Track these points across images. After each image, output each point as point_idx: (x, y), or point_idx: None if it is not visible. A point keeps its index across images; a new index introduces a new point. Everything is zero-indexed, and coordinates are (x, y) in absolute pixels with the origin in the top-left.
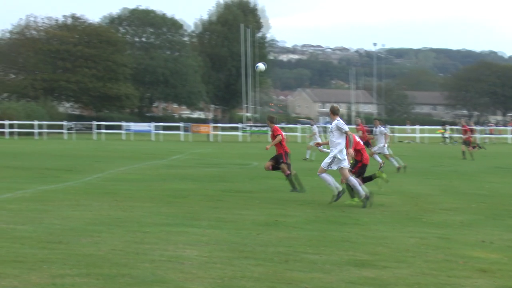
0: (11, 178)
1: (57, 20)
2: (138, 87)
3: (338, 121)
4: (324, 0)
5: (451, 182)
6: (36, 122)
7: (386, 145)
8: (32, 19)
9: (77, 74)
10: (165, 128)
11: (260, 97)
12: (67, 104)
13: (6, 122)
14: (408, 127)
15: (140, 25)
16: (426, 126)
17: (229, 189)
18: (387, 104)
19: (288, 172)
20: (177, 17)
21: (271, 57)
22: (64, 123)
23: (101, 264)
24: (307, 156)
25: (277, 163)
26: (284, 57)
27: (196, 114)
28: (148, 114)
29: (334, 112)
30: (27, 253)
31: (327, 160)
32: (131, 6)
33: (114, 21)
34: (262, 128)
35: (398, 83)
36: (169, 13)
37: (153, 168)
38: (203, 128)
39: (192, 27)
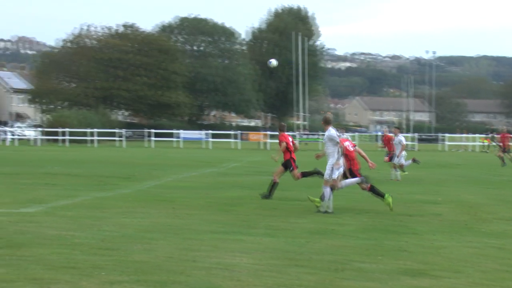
0: (71, 185)
1: (110, 29)
2: (190, 95)
3: (329, 132)
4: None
5: (509, 191)
6: (88, 130)
7: (402, 154)
8: (86, 28)
9: (130, 82)
10: (217, 136)
11: (311, 104)
12: (120, 112)
13: (60, 130)
14: (461, 135)
15: (192, 33)
16: (477, 135)
17: (284, 197)
18: (440, 112)
19: (300, 177)
20: (227, 25)
21: (322, 64)
22: (116, 130)
23: (155, 271)
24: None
25: (286, 169)
26: (335, 65)
27: (247, 122)
28: (200, 122)
29: (326, 122)
30: (83, 260)
31: (327, 172)
32: (183, 14)
33: (167, 30)
34: (310, 136)
35: (451, 91)
36: (218, 21)
37: (209, 176)
38: (254, 135)
39: (242, 35)
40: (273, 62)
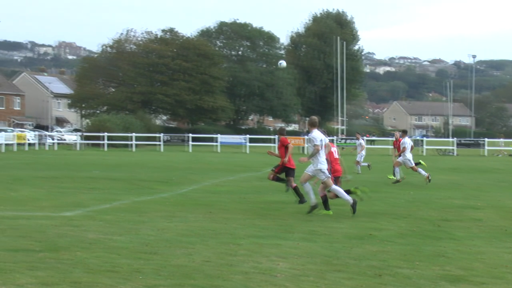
0: (109, 189)
1: (150, 34)
2: (229, 99)
3: (311, 134)
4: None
5: None
6: (130, 134)
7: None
8: (131, 33)
9: (169, 87)
10: (254, 140)
11: (354, 109)
12: (158, 116)
13: (99, 134)
14: (499, 140)
15: (231, 37)
16: None
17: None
18: (479, 116)
19: (272, 179)
20: (265, 29)
21: (361, 68)
22: (155, 134)
23: (194, 275)
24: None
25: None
26: (373, 69)
27: (285, 126)
28: (242, 127)
29: (311, 124)
30: (122, 263)
31: (323, 175)
32: (224, 19)
33: (205, 34)
34: (348, 141)
35: (492, 95)
36: (257, 25)
37: (246, 180)
38: (297, 140)
39: (282, 40)
40: (283, 63)
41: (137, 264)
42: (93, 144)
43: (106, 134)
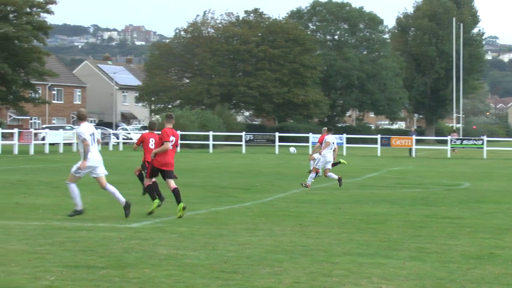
0: (183, 197)
1: (235, 15)
2: (328, 92)
3: (77, 128)
4: None
5: None
6: (207, 133)
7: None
8: (209, 15)
9: (259, 78)
10: (358, 141)
11: (472, 104)
12: (246, 113)
13: (178, 133)
14: None
15: (326, 19)
16: None
17: (433, 214)
18: None
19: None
20: (367, 10)
21: (489, 57)
22: (240, 134)
23: None
24: None
25: None
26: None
27: (389, 124)
28: (338, 125)
29: (79, 118)
30: (197, 284)
31: (73, 169)
32: None
33: (302, 16)
34: (465, 141)
35: None
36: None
37: (343, 188)
38: (404, 141)
39: (386, 22)
40: (294, 151)
41: (215, 284)
42: None
43: (179, 132)
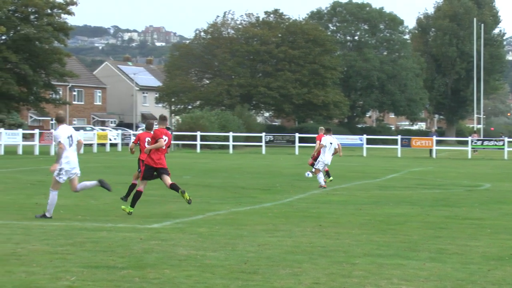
0: (203, 197)
1: (255, 16)
2: (348, 93)
3: (55, 130)
4: None
5: None
6: (227, 134)
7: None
8: (229, 16)
9: (278, 79)
10: (378, 142)
11: (493, 105)
12: (266, 114)
13: (195, 133)
14: None
15: (352, 21)
16: None
17: (454, 215)
18: None
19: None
20: (387, 10)
21: (510, 57)
22: (260, 134)
23: None
24: None
25: None
26: None
27: (409, 125)
28: (358, 125)
29: (57, 120)
30: (216, 284)
31: (55, 174)
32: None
33: (322, 17)
34: (486, 142)
35: None
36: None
37: (363, 189)
38: (424, 142)
39: (406, 23)
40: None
41: (235, 285)
42: (183, 145)
43: (199, 133)
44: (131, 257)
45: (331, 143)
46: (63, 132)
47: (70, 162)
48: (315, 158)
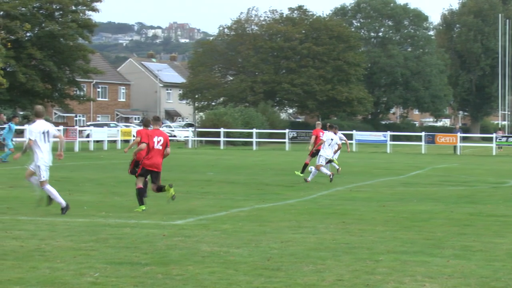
0: (227, 194)
1: (279, 13)
2: (372, 90)
3: (29, 125)
4: None
5: None
6: (251, 130)
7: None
8: (252, 12)
9: (302, 76)
10: (402, 138)
11: None
12: (290, 110)
13: (219, 130)
14: None
15: (376, 17)
16: None
17: (479, 212)
18: None
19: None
20: (412, 6)
21: None
22: (284, 131)
23: None
24: None
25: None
26: None
27: (433, 121)
28: (382, 122)
29: (35, 115)
30: (240, 280)
31: (40, 172)
32: None
33: (346, 13)
34: (510, 138)
35: None
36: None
37: (387, 186)
38: (448, 138)
39: (431, 19)
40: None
41: (258, 281)
42: (207, 142)
43: (223, 130)
44: (154, 254)
45: (331, 139)
46: (36, 127)
47: (44, 159)
48: (312, 154)
